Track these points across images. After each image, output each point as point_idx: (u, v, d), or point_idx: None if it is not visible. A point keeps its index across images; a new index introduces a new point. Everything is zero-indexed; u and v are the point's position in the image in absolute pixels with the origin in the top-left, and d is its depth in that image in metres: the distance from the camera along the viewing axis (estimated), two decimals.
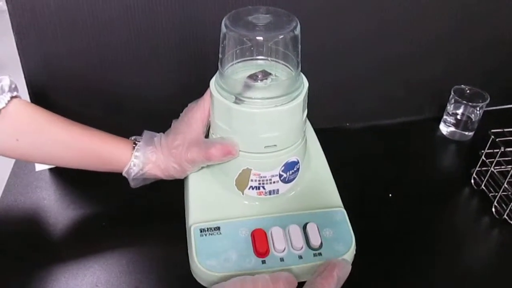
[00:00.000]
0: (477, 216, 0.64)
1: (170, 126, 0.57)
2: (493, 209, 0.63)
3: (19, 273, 0.54)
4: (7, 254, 0.57)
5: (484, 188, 0.66)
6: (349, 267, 0.45)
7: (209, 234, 0.51)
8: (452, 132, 0.78)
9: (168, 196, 0.59)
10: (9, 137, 0.53)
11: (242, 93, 0.50)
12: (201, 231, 0.51)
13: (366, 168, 0.71)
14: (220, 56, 0.51)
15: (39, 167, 0.69)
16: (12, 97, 0.53)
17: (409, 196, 0.66)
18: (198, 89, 0.56)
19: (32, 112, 0.55)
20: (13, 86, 0.54)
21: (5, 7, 0.58)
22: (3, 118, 0.52)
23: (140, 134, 0.57)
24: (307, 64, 0.55)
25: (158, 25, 0.64)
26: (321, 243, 0.50)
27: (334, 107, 0.78)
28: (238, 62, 0.53)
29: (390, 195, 0.66)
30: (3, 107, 0.52)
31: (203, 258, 0.49)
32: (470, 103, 0.74)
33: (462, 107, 0.76)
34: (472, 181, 0.67)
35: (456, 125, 0.77)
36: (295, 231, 0.51)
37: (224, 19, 0.50)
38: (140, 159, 0.55)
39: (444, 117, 0.78)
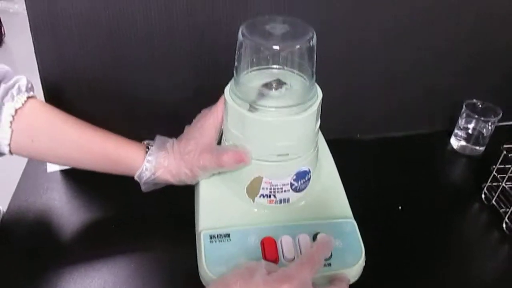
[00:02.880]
0: (487, 231, 0.63)
1: (183, 130, 0.57)
2: (504, 225, 0.62)
3: (29, 273, 0.54)
4: (17, 254, 0.57)
5: (494, 203, 0.65)
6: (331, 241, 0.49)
7: (219, 240, 0.51)
8: (462, 147, 0.77)
9: (178, 201, 0.59)
10: (24, 137, 0.54)
11: (257, 101, 0.51)
12: (210, 237, 0.51)
13: (376, 180, 0.71)
14: (236, 63, 0.52)
15: (50, 168, 0.69)
16: (28, 97, 0.53)
17: (418, 209, 0.66)
18: (211, 94, 0.56)
19: (47, 112, 0.55)
20: (29, 86, 0.55)
21: (18, 10, 0.59)
22: (18, 118, 0.53)
23: (151, 137, 0.58)
24: (318, 74, 0.55)
25: (174, 29, 0.64)
26: (331, 253, 0.50)
27: (344, 118, 0.78)
28: (253, 70, 0.53)
29: (400, 207, 0.65)
30: (20, 107, 0.52)
31: (212, 265, 0.49)
32: (482, 118, 0.74)
33: (474, 121, 0.75)
34: (483, 196, 0.67)
35: (467, 139, 0.76)
36: (305, 240, 0.51)
37: (241, 28, 0.50)
38: (152, 164, 0.55)
39: (455, 131, 0.78)
